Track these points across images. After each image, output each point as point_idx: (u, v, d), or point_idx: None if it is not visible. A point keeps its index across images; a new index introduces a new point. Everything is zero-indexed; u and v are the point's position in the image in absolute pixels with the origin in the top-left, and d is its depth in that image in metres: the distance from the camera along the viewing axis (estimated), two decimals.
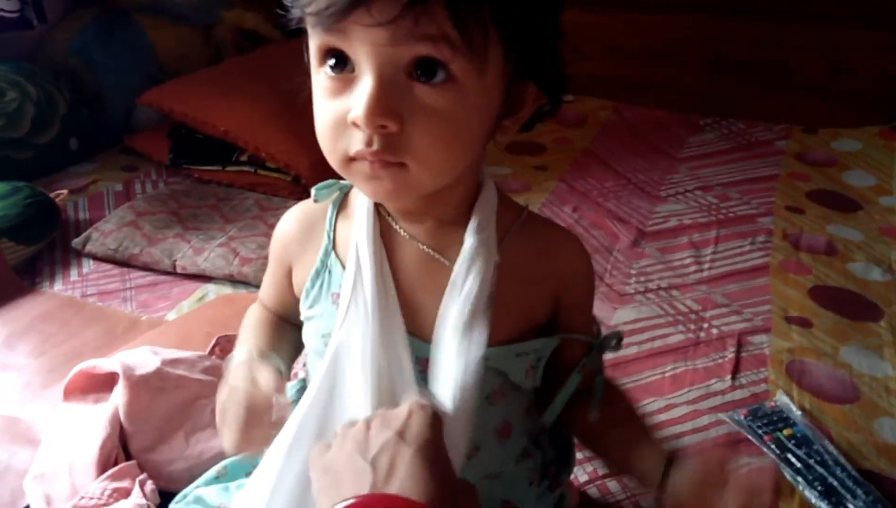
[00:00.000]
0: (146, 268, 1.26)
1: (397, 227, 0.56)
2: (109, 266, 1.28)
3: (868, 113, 1.76)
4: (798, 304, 1.14)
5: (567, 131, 1.84)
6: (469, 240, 0.54)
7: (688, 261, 1.27)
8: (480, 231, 0.54)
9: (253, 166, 1.58)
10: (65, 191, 1.47)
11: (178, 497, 0.66)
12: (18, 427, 0.82)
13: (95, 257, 1.30)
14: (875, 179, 1.56)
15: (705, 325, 1.09)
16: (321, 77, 0.48)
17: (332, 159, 0.50)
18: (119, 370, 0.75)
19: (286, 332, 0.65)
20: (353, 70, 0.46)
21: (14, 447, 0.78)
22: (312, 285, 0.58)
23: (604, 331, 0.63)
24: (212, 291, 1.20)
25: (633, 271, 1.25)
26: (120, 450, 0.72)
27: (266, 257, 1.24)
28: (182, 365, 0.80)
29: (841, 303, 1.14)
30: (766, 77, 1.86)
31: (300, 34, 0.49)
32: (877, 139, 1.70)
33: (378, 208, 0.56)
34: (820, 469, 0.81)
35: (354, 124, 0.46)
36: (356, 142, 0.47)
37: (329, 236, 0.58)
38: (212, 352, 0.88)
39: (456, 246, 0.55)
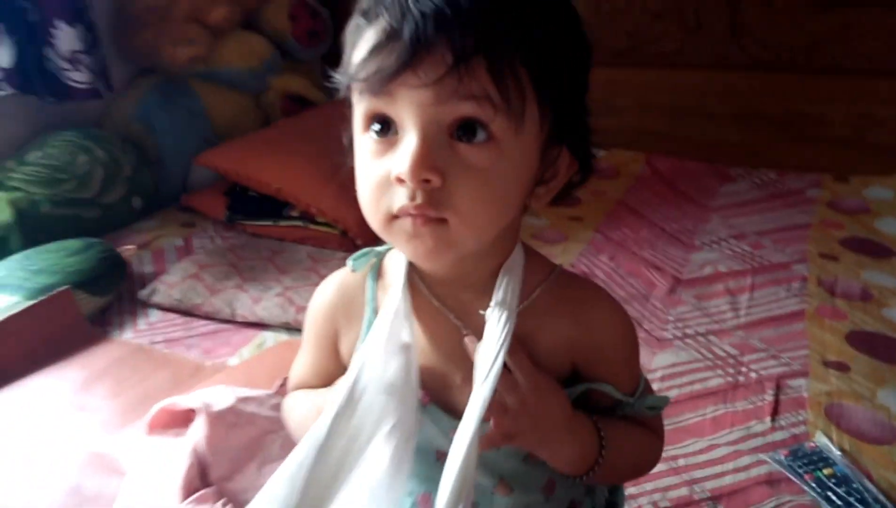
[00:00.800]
0: (208, 317, 1.35)
1: (430, 298, 0.57)
2: (174, 316, 1.37)
3: None
4: (835, 349, 1.17)
5: (601, 183, 1.90)
6: (493, 316, 0.53)
7: (724, 308, 1.31)
8: (502, 304, 0.54)
9: (303, 221, 1.67)
10: (133, 246, 1.57)
11: None
12: (104, 461, 0.89)
13: (161, 308, 1.38)
14: None
15: (743, 369, 1.13)
16: (366, 140, 0.51)
17: (375, 220, 0.52)
18: (198, 405, 0.82)
19: None
20: (396, 133, 0.49)
21: (102, 477, 0.85)
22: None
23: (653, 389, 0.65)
24: (269, 338, 1.28)
25: (670, 318, 1.29)
26: (198, 481, 0.78)
27: None
28: (253, 403, 0.86)
29: (877, 347, 1.17)
30: (795, 129, 1.92)
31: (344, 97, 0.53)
32: None
33: (412, 280, 0.58)
34: (860, 507, 0.84)
35: (399, 180, 0.48)
36: (399, 198, 0.49)
37: (372, 308, 0.59)
38: (277, 392, 0.94)
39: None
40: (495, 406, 0.52)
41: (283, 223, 1.69)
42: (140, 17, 1.84)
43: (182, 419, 0.87)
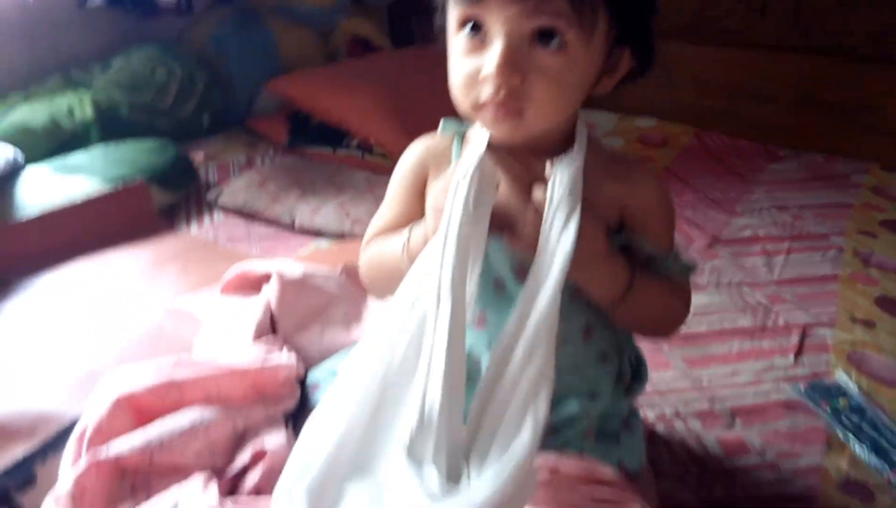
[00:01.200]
0: (268, 222, 1.43)
1: (505, 156, 0.65)
2: (237, 218, 1.46)
3: None
4: (864, 309, 1.21)
5: (649, 151, 1.95)
6: (562, 171, 0.61)
7: (759, 264, 1.36)
8: (570, 164, 0.62)
9: (361, 151, 1.75)
10: (201, 154, 1.67)
11: (314, 368, 0.80)
12: (181, 313, 0.98)
13: (226, 210, 1.48)
14: None
15: (772, 315, 1.18)
16: (459, 39, 0.61)
17: (464, 106, 0.62)
18: (273, 271, 0.91)
19: None
20: (485, 35, 0.59)
21: (181, 324, 0.95)
22: None
23: None
24: (324, 245, 1.36)
25: (706, 269, 1.34)
26: (269, 329, 0.87)
27: None
28: (320, 277, 0.95)
29: None
30: (849, 117, 1.93)
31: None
32: None
33: (492, 143, 0.65)
34: (872, 432, 0.89)
35: (486, 78, 0.59)
36: (486, 91, 0.59)
37: (455, 163, 0.67)
38: (341, 273, 1.02)
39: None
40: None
41: (341, 152, 1.77)
42: None
43: (255, 284, 0.96)
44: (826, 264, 1.37)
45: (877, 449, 0.86)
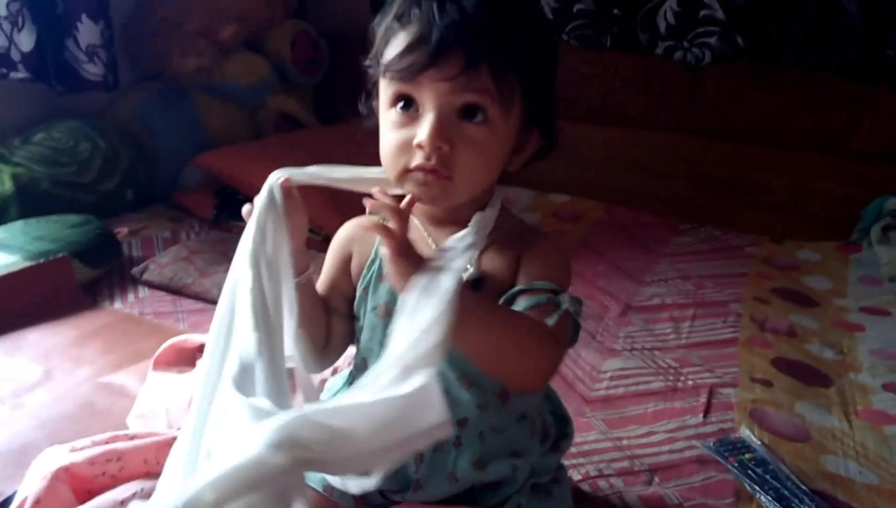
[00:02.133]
0: (196, 297, 1.44)
1: (421, 229, 0.75)
2: (163, 293, 1.45)
3: (827, 230, 2.01)
4: (761, 369, 1.32)
5: (564, 225, 2.07)
6: (464, 238, 0.67)
7: (668, 330, 1.46)
8: (475, 233, 0.68)
9: None
10: (125, 229, 1.66)
11: None
12: (112, 387, 0.97)
13: (151, 285, 1.47)
14: (832, 284, 1.78)
15: (682, 377, 1.27)
16: (391, 114, 0.69)
17: (393, 173, 0.69)
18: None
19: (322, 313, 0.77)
20: (416, 110, 0.67)
21: (113, 397, 0.94)
22: (367, 271, 0.77)
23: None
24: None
25: (620, 335, 1.43)
26: None
27: None
28: None
29: (798, 372, 1.33)
30: (738, 193, 2.12)
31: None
32: (834, 252, 1.94)
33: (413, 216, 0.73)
34: (774, 483, 0.97)
35: (419, 146, 0.66)
36: (416, 158, 0.67)
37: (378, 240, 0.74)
38: None
39: None
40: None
41: None
42: (154, 26, 1.97)
43: (188, 358, 0.96)
44: (727, 329, 1.48)
45: (780, 498, 0.94)
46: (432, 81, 0.65)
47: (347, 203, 0.78)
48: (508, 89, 0.66)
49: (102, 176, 1.79)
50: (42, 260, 1.36)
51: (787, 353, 1.39)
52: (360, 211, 0.81)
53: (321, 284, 0.80)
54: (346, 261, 0.79)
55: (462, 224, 0.71)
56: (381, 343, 0.71)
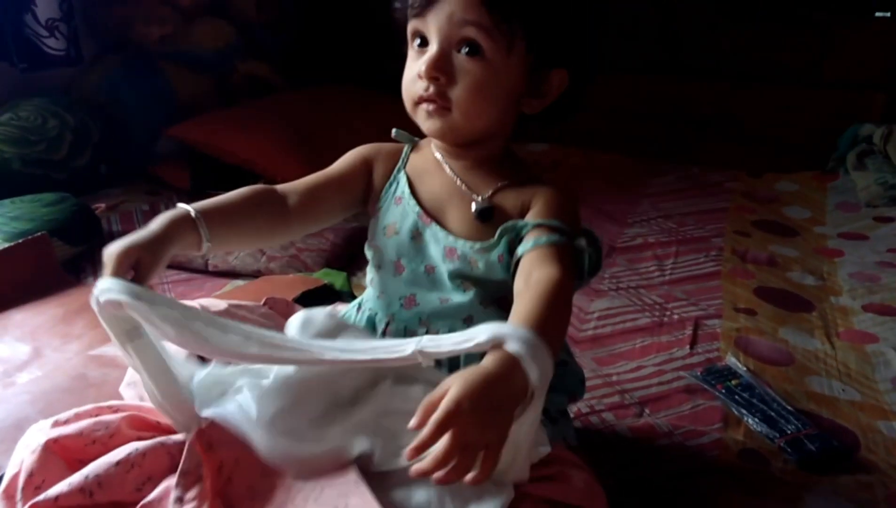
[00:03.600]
0: (181, 267, 1.43)
1: (443, 164, 0.78)
2: None
3: (804, 160, 2.03)
4: (745, 299, 1.35)
5: (544, 173, 2.07)
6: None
7: (652, 269, 1.48)
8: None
9: None
10: (102, 205, 1.64)
11: None
12: (104, 358, 0.97)
13: None
14: (810, 213, 1.80)
15: (667, 312, 1.29)
16: (412, 50, 0.74)
17: (407, 102, 0.74)
18: (197, 306, 0.92)
19: (258, 211, 0.76)
20: (427, 45, 0.71)
21: (105, 368, 0.94)
22: (385, 191, 0.80)
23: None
24: (240, 284, 1.37)
25: (606, 276, 1.45)
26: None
27: (290, 256, 1.41)
28: (244, 309, 0.96)
29: (780, 299, 1.35)
30: (715, 129, 2.13)
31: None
32: (811, 181, 1.96)
33: (436, 153, 0.79)
34: (761, 406, 1.00)
35: (419, 77, 0.71)
36: (419, 88, 0.71)
37: (404, 161, 0.81)
38: (264, 304, 1.04)
39: (479, 184, 0.76)
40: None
41: None
42: None
43: None
44: (709, 263, 1.51)
45: (766, 420, 0.97)
46: (434, 16, 0.70)
47: (321, 156, 0.79)
48: (506, 26, 0.68)
49: (74, 152, 1.76)
50: (21, 240, 1.34)
51: (768, 282, 1.42)
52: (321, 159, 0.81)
53: (328, 172, 0.81)
54: (366, 165, 0.81)
55: (475, 158, 0.77)
56: (391, 262, 0.78)
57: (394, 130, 0.83)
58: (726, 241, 1.61)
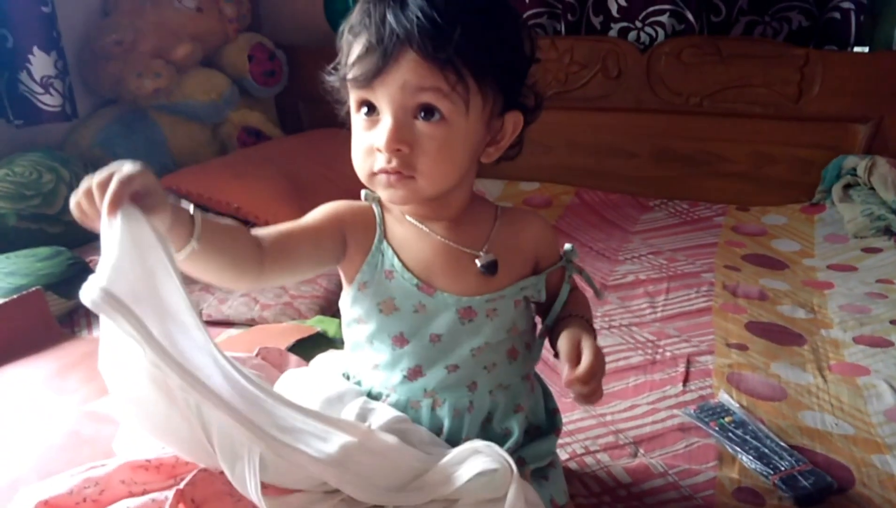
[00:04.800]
0: None
1: (417, 224, 0.78)
2: None
3: (790, 193, 2.05)
4: (736, 334, 1.35)
5: (536, 211, 2.09)
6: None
7: (644, 306, 1.49)
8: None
9: None
10: (97, 257, 1.65)
11: None
12: (97, 415, 0.97)
13: None
14: (799, 245, 1.82)
15: (660, 350, 1.30)
16: (358, 119, 0.72)
17: (362, 175, 0.73)
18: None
19: (237, 243, 0.71)
20: (378, 114, 0.70)
21: (98, 424, 0.94)
22: (369, 266, 0.77)
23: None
24: (235, 334, 1.37)
25: (598, 315, 1.45)
26: None
27: (284, 303, 1.41)
28: (235, 361, 0.97)
29: (772, 333, 1.36)
30: (701, 165, 2.16)
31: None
32: (799, 214, 1.99)
33: (404, 213, 0.79)
34: (754, 442, 1.00)
35: (378, 150, 0.70)
36: (379, 162, 0.70)
37: (380, 228, 0.78)
38: (257, 355, 1.05)
39: (470, 238, 0.78)
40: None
41: None
42: (107, 50, 1.95)
43: None
44: (700, 298, 1.52)
45: (760, 457, 0.97)
46: (384, 86, 0.68)
47: (315, 203, 0.80)
48: (462, 86, 0.68)
49: (69, 206, 1.77)
50: (15, 296, 1.35)
51: (759, 316, 1.43)
52: (314, 206, 0.82)
53: (298, 224, 0.76)
54: (339, 224, 0.77)
55: (451, 216, 0.78)
56: (390, 336, 0.77)
57: (363, 193, 0.80)
58: (717, 276, 1.63)
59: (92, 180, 0.62)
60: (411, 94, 0.68)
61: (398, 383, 0.77)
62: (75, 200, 0.64)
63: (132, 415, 0.69)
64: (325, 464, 0.65)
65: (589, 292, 0.90)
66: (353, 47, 0.70)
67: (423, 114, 0.69)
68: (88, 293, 0.57)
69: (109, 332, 0.63)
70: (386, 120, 0.69)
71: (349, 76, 0.70)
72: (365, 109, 0.71)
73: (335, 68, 0.75)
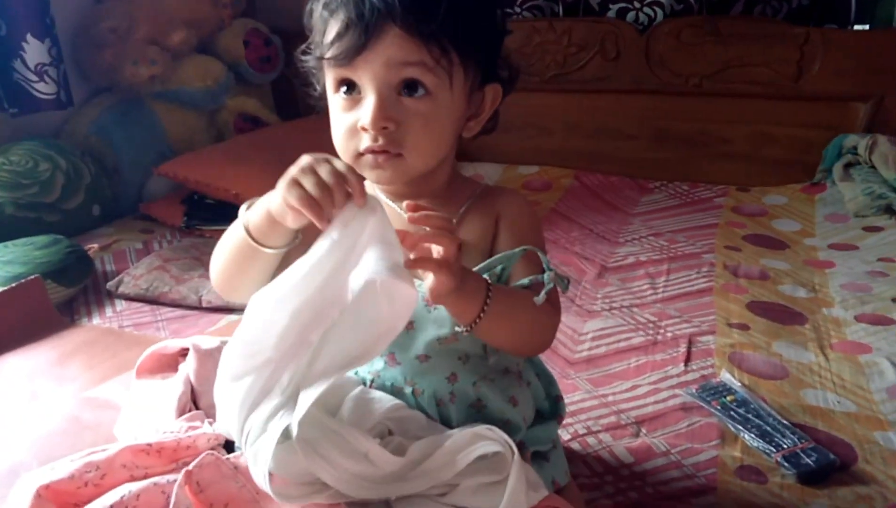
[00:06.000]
0: (174, 304, 1.43)
1: (394, 207, 0.75)
2: (140, 304, 1.44)
3: (791, 173, 2.04)
4: (738, 314, 1.35)
5: (536, 196, 2.08)
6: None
7: (645, 287, 1.49)
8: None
9: None
10: (95, 245, 1.65)
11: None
12: (98, 401, 0.97)
13: (128, 298, 1.46)
14: (800, 225, 1.82)
15: (661, 330, 1.30)
16: (337, 99, 0.70)
17: (345, 156, 0.70)
18: (189, 345, 0.92)
19: None
20: (359, 92, 0.68)
21: (99, 410, 0.94)
22: None
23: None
24: (235, 319, 1.37)
25: (598, 296, 1.45)
26: (192, 404, 0.88)
27: None
28: None
29: (773, 313, 1.36)
30: (701, 146, 2.15)
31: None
32: (799, 194, 1.98)
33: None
34: (757, 421, 1.00)
35: (363, 129, 0.67)
36: (365, 141, 0.68)
37: None
38: None
39: None
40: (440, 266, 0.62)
41: None
42: (101, 37, 1.94)
43: (171, 363, 0.96)
44: (701, 279, 1.51)
45: (763, 435, 0.97)
46: (367, 63, 0.66)
47: None
48: (445, 60, 0.67)
49: (66, 194, 1.77)
50: (14, 284, 1.35)
51: (761, 296, 1.42)
52: None
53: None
54: (313, 227, 0.74)
55: (425, 194, 0.74)
56: None
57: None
58: (717, 256, 1.62)
59: (322, 170, 0.60)
60: (395, 69, 0.66)
61: (381, 368, 0.75)
62: (303, 194, 0.60)
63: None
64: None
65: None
66: (330, 25, 0.68)
67: (406, 90, 0.67)
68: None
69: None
70: (370, 98, 0.67)
71: (328, 55, 0.67)
72: (344, 89, 0.69)
73: (307, 49, 0.73)
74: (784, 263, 1.60)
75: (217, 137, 2.23)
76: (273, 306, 0.61)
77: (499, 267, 0.73)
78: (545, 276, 0.71)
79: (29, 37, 1.67)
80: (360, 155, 0.69)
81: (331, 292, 0.61)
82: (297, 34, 0.75)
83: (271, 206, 0.64)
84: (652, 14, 2.13)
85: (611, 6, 2.18)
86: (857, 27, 2.01)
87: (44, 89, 1.74)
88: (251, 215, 0.67)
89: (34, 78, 1.71)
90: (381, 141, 0.67)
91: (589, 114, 2.25)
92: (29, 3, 1.69)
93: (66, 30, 1.91)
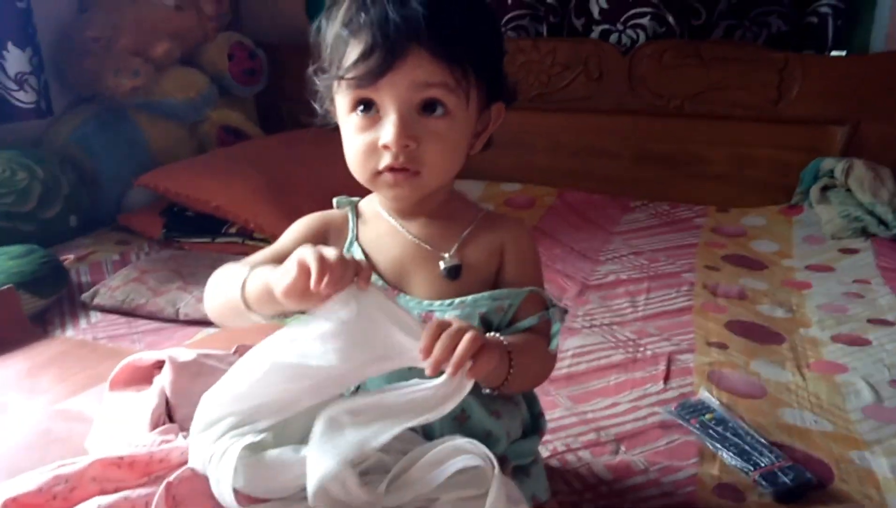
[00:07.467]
0: (151, 317, 1.41)
1: (396, 225, 0.77)
2: (116, 316, 1.42)
3: (770, 194, 2.07)
4: (716, 333, 1.36)
5: (518, 213, 2.09)
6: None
7: (625, 305, 1.49)
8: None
9: (241, 237, 1.77)
10: (71, 256, 1.62)
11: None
12: (70, 413, 0.95)
13: (103, 310, 1.44)
14: (778, 246, 1.83)
15: (641, 348, 1.30)
16: (352, 119, 0.71)
17: (363, 176, 0.72)
18: (165, 357, 0.91)
19: None
20: (377, 112, 0.69)
21: (70, 423, 0.92)
22: None
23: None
24: (212, 332, 1.35)
25: (579, 314, 1.45)
26: (166, 418, 0.86)
27: None
28: (213, 359, 0.95)
29: (751, 332, 1.37)
30: (682, 166, 2.17)
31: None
32: (778, 215, 2.00)
33: (382, 212, 0.78)
34: (735, 439, 1.00)
35: (385, 147, 0.68)
36: (385, 159, 0.69)
37: (353, 232, 0.78)
38: (235, 352, 1.03)
39: (441, 240, 0.76)
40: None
41: (220, 240, 1.78)
42: (84, 46, 1.92)
43: (145, 376, 0.95)
44: (681, 298, 1.52)
45: (741, 453, 0.97)
46: (391, 85, 0.67)
47: (295, 202, 0.79)
48: (465, 81, 0.68)
49: (43, 204, 1.75)
50: None
51: (739, 315, 1.43)
52: (309, 206, 0.81)
53: (276, 252, 0.75)
54: (320, 239, 0.76)
55: (428, 212, 0.76)
56: None
57: (335, 200, 0.80)
58: (697, 276, 1.63)
59: (330, 257, 0.61)
60: (418, 90, 0.67)
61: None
62: (304, 281, 0.61)
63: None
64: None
65: None
66: (352, 45, 0.68)
67: (426, 108, 0.68)
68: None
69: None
70: (391, 117, 0.68)
71: (349, 76, 0.68)
72: (361, 108, 0.69)
73: (322, 69, 0.73)
74: (762, 283, 1.61)
75: (199, 149, 2.22)
76: (268, 369, 0.64)
77: (506, 302, 0.75)
78: (550, 312, 0.74)
79: (10, 45, 1.66)
80: (378, 173, 0.71)
81: (337, 373, 0.64)
82: (282, 48, 0.75)
83: (272, 282, 0.64)
84: (634, 36, 2.16)
85: (594, 27, 2.20)
86: (834, 53, 2.04)
87: (23, 98, 1.72)
88: (250, 282, 0.67)
89: (14, 87, 1.69)
90: (402, 159, 0.68)
91: (572, 133, 2.26)
92: (10, 12, 1.68)
93: (49, 38, 1.90)
